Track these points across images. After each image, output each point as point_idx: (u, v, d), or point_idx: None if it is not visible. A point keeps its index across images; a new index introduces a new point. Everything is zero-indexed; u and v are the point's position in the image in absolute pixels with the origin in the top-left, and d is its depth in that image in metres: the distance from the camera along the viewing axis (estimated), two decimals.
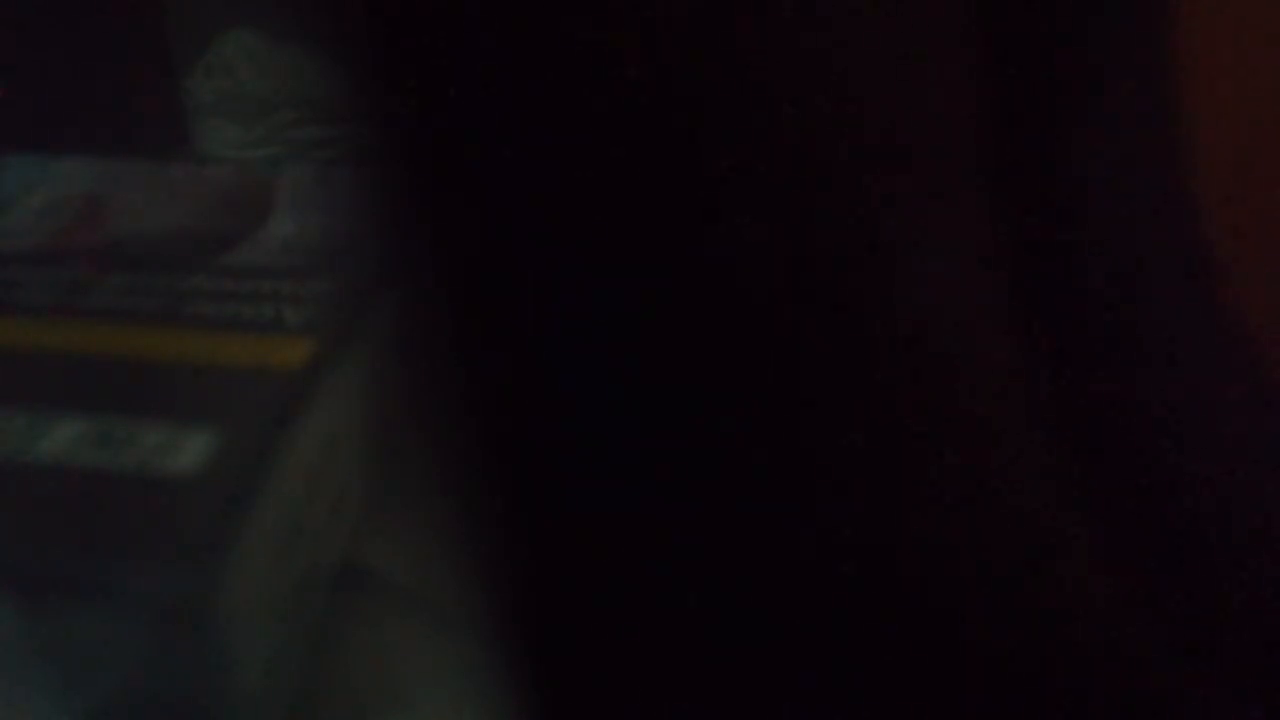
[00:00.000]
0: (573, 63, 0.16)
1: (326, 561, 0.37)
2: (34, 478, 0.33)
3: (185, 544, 0.31)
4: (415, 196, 0.17)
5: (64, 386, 0.36)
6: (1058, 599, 0.17)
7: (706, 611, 0.17)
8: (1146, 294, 0.19)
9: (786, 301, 0.16)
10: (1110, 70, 0.19)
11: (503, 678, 0.18)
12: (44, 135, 0.47)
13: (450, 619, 0.35)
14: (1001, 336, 0.17)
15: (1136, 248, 0.19)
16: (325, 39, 0.17)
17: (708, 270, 0.16)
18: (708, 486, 0.17)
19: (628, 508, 0.17)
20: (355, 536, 0.38)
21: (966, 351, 0.17)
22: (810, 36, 0.16)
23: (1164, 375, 0.19)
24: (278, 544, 0.34)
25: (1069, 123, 0.18)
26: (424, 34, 0.16)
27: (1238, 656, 0.19)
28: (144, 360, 0.37)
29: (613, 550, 0.17)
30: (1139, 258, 0.19)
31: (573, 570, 0.17)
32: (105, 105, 0.51)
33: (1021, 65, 0.18)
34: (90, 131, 0.49)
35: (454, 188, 0.16)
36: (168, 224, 0.44)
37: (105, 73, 0.51)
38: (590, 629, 0.18)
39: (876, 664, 0.17)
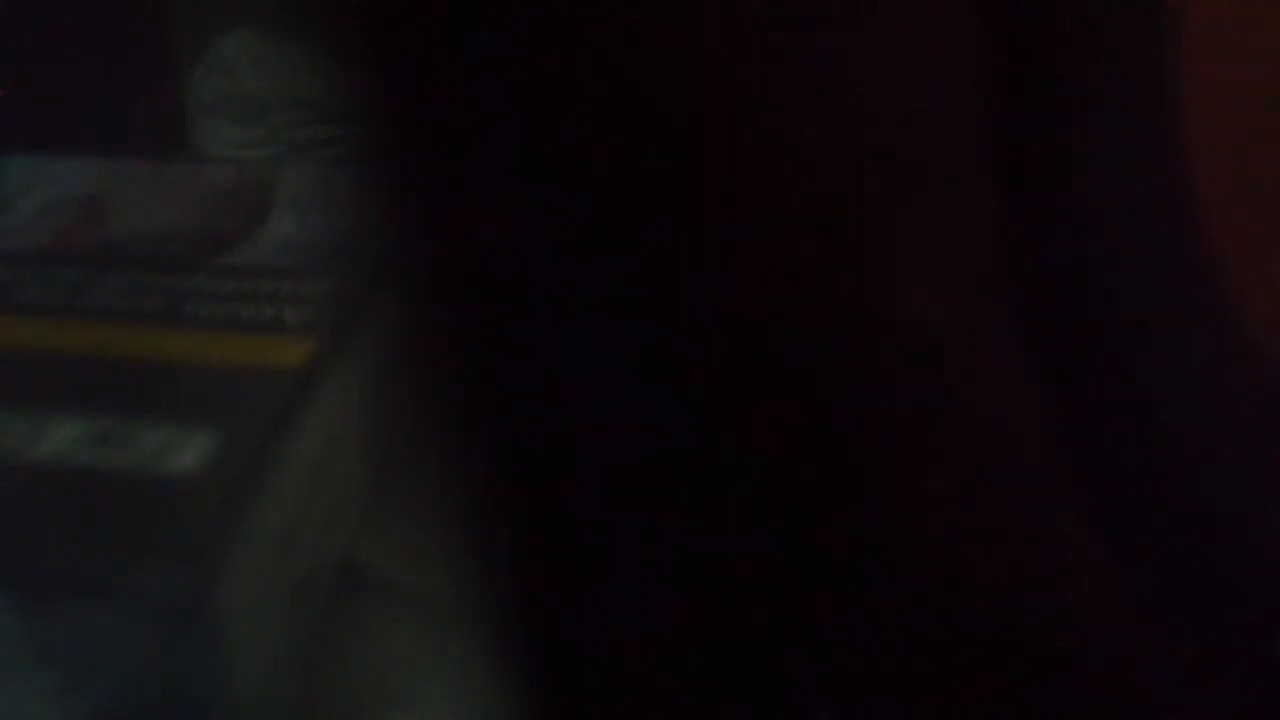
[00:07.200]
0: (574, 63, 0.16)
1: (326, 561, 0.37)
2: (34, 478, 0.33)
3: (185, 544, 0.31)
4: (416, 196, 0.17)
5: (64, 386, 0.36)
6: (1059, 597, 0.17)
7: (708, 611, 0.17)
8: (1150, 296, 0.19)
9: (792, 307, 0.16)
10: (1113, 78, 0.19)
11: (502, 678, 0.18)
12: (44, 135, 0.48)
13: (450, 619, 0.35)
14: (1006, 340, 0.17)
15: (1139, 251, 0.19)
16: (325, 39, 0.17)
17: (711, 274, 0.16)
18: (709, 487, 0.17)
19: (628, 507, 0.17)
20: (355, 536, 0.38)
21: (971, 356, 0.17)
22: (816, 46, 0.16)
23: (1167, 376, 0.19)
24: (278, 544, 0.34)
25: (1072, 130, 0.18)
26: (423, 34, 0.16)
27: (1237, 653, 0.19)
28: (144, 360, 0.37)
29: (613, 550, 0.17)
30: (1142, 261, 0.19)
31: (572, 570, 0.17)
32: (105, 105, 0.51)
33: (1025, 75, 0.18)
34: (90, 131, 0.49)
35: (454, 187, 0.16)
36: (168, 224, 0.44)
37: (105, 73, 0.51)
38: (590, 629, 0.18)
39: (878, 663, 0.17)
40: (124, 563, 0.31)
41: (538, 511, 0.18)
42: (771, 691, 0.17)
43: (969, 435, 0.17)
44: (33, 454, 0.34)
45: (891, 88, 0.16)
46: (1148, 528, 0.18)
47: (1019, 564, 0.17)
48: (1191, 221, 0.20)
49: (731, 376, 0.16)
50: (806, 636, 0.17)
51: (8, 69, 0.50)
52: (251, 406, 0.35)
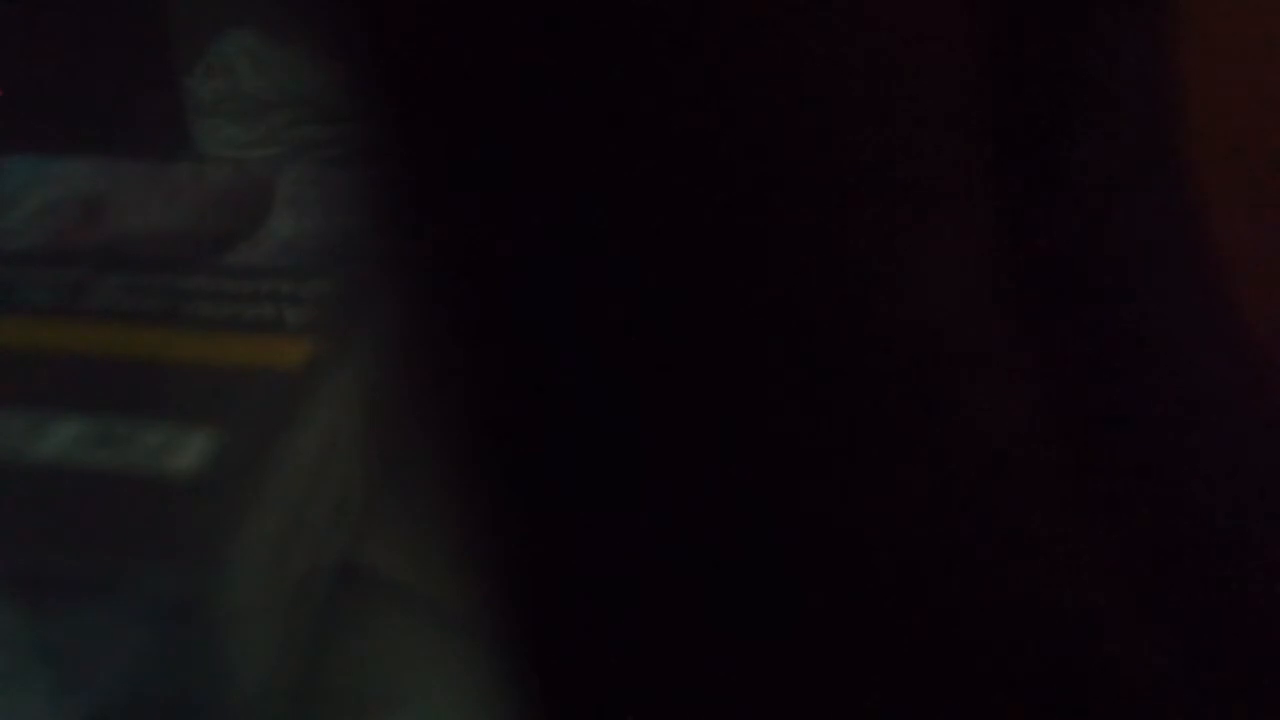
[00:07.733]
0: (573, 63, 0.16)
1: (326, 561, 0.37)
2: (34, 478, 0.33)
3: (185, 544, 0.31)
4: (415, 196, 0.17)
5: (64, 386, 0.36)
6: (1061, 598, 0.17)
7: (708, 611, 0.17)
8: (1150, 297, 0.19)
9: (792, 312, 0.16)
10: (1113, 78, 0.19)
11: (502, 677, 0.18)
12: (44, 135, 0.48)
13: (450, 619, 0.35)
14: (1007, 343, 0.17)
15: (1140, 252, 0.19)
16: (325, 39, 0.17)
17: (713, 277, 0.16)
18: (710, 489, 0.17)
19: (627, 507, 0.17)
20: (355, 536, 0.38)
21: (971, 359, 0.17)
22: (815, 50, 0.16)
23: (1168, 377, 0.19)
24: (278, 544, 0.34)
25: (1073, 131, 0.18)
26: (424, 34, 0.16)
27: (1237, 658, 0.19)
28: (144, 360, 0.37)
29: (612, 549, 0.17)
30: (1142, 262, 0.19)
31: (572, 569, 0.17)
32: (105, 105, 0.51)
33: (1025, 75, 0.18)
34: (90, 131, 0.49)
35: (453, 187, 0.16)
36: (168, 224, 0.44)
37: (105, 73, 0.51)
38: (590, 628, 0.18)
39: (878, 664, 0.17)
40: (124, 563, 0.31)
41: (538, 511, 0.18)
42: (771, 692, 0.17)
43: (970, 438, 0.17)
44: (33, 454, 0.34)
45: (892, 91, 0.16)
46: (1147, 528, 0.18)
47: (1020, 565, 0.17)
48: (1192, 222, 0.20)
49: (734, 379, 0.16)
50: (807, 638, 0.17)
51: (8, 69, 0.50)
52: (251, 406, 0.35)
